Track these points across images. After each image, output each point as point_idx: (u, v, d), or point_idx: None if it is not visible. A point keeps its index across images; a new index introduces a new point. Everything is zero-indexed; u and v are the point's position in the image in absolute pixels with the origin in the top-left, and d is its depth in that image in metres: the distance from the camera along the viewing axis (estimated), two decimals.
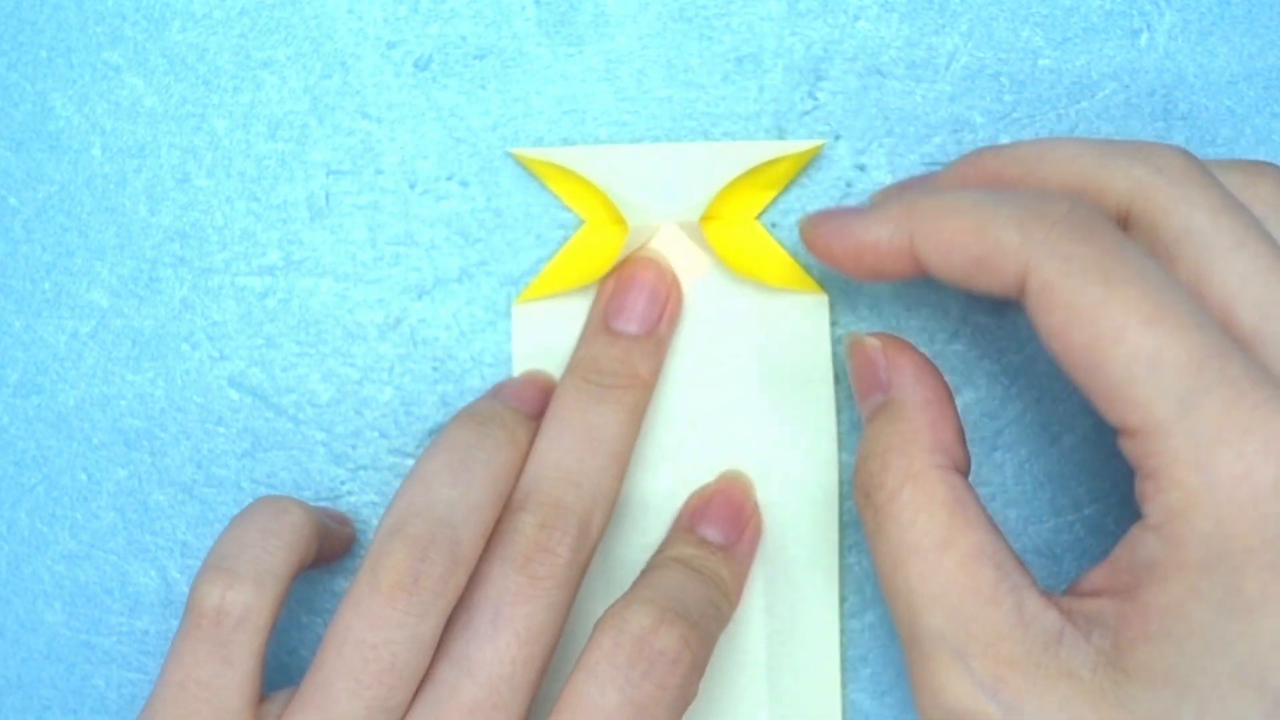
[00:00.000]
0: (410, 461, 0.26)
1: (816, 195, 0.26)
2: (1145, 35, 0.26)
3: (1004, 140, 0.26)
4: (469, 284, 0.26)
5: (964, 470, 0.23)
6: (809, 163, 0.26)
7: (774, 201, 0.26)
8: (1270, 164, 0.23)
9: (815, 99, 0.26)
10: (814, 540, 0.26)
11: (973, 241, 0.21)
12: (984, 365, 0.26)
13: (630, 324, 0.26)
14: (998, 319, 0.26)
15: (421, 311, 0.26)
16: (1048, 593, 0.21)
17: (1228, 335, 0.19)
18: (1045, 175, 0.22)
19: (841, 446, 0.26)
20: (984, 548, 0.21)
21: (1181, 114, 0.26)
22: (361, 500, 0.26)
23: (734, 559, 0.26)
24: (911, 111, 0.26)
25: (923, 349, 0.26)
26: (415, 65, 0.26)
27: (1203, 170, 0.21)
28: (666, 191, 0.26)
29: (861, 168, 0.26)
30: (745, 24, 0.26)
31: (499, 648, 0.22)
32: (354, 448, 0.26)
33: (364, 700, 0.21)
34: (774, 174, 0.26)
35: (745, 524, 0.26)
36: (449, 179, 0.26)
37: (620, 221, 0.26)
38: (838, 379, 0.26)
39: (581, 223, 0.26)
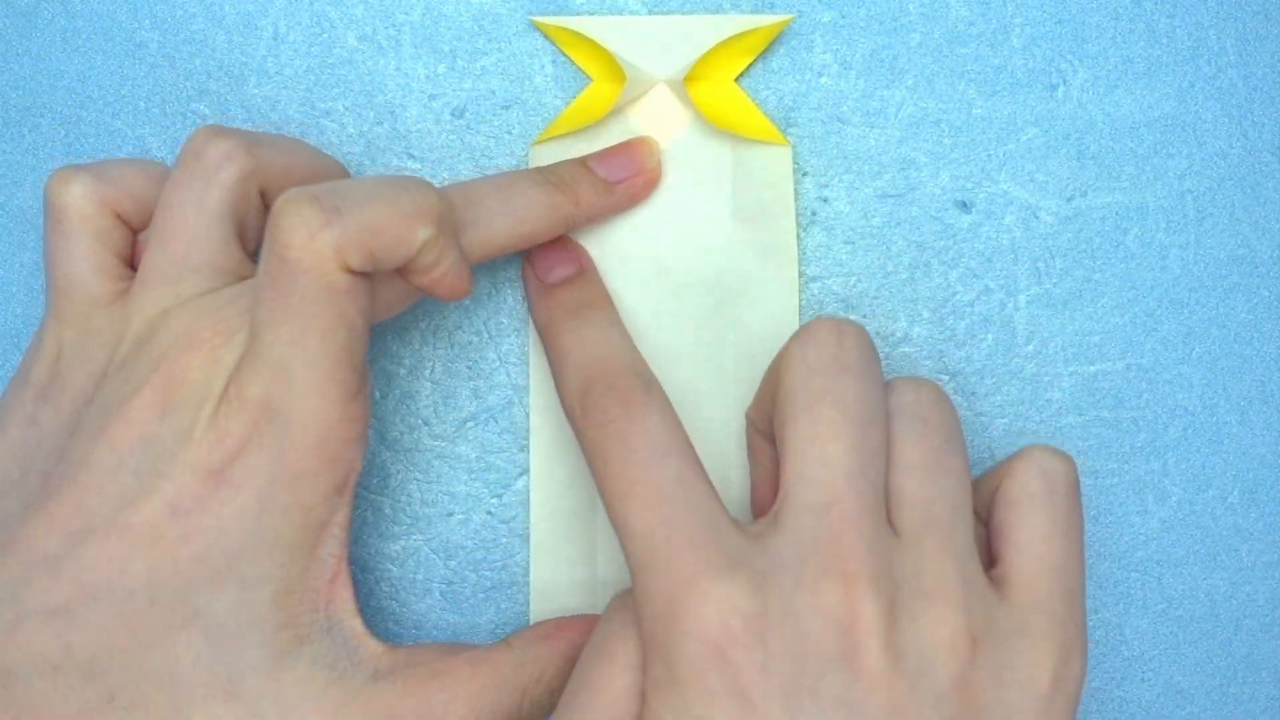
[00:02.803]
0: (447, 445, 0.30)
1: None
2: (1061, 88, 0.30)
3: (944, 176, 0.30)
4: (496, 296, 0.30)
5: None
6: (779, 35, 0.29)
7: (750, 65, 0.30)
8: (922, 381, 0.25)
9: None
10: (775, 350, 0.29)
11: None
12: (926, 364, 0.30)
13: (600, 168, 0.28)
14: (937, 328, 0.30)
15: (458, 320, 0.30)
16: None
17: (695, 499, 0.22)
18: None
19: (801, 272, 0.30)
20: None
21: (1092, 155, 0.30)
22: (407, 478, 0.30)
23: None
24: (866, 152, 0.30)
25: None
26: (452, 114, 0.30)
27: (841, 365, 0.24)
28: (660, 55, 0.29)
29: (825, 199, 0.30)
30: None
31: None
32: (401, 434, 0.30)
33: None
34: (750, 42, 0.29)
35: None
36: None
37: (620, 77, 0.29)
38: (797, 214, 0.30)
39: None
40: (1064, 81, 0.30)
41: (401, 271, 0.24)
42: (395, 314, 0.26)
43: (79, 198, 0.25)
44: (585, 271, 0.28)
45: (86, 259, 0.25)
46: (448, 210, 0.23)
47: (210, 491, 0.22)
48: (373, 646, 0.24)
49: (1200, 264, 0.30)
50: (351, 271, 0.22)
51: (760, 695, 0.21)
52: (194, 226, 0.24)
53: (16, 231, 0.30)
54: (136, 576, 0.22)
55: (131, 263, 0.26)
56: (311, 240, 0.21)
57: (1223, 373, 0.30)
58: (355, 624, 0.24)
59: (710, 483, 0.23)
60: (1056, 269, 0.30)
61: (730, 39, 0.29)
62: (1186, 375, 0.30)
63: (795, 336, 0.25)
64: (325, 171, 0.27)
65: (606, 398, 0.24)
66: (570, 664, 0.26)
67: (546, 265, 0.28)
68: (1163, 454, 0.30)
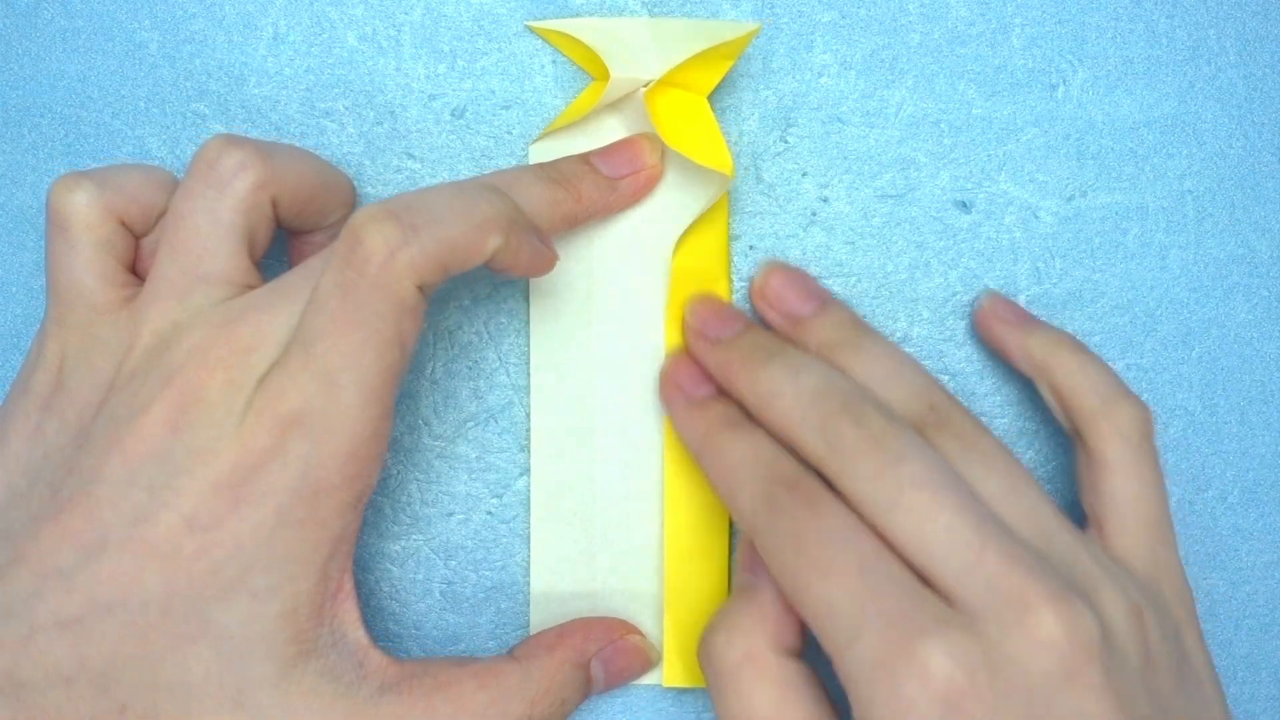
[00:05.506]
0: (447, 445, 0.30)
1: (787, 223, 0.30)
2: (1061, 88, 0.30)
3: (944, 176, 0.30)
4: (497, 297, 0.30)
5: (800, 653, 0.25)
6: (747, 47, 0.29)
7: (720, 84, 0.29)
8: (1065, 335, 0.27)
9: (786, 142, 0.30)
10: None
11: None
12: (926, 364, 0.30)
13: (603, 165, 0.28)
14: (937, 328, 0.30)
15: (458, 320, 0.30)
16: None
17: (892, 570, 0.23)
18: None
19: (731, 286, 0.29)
20: None
21: (1092, 155, 0.30)
22: (407, 478, 0.30)
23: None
24: (866, 152, 0.30)
25: None
26: (452, 114, 0.30)
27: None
28: (654, 57, 0.28)
29: (825, 199, 0.30)
30: (727, 80, 0.30)
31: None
32: (400, 434, 0.30)
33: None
34: (724, 51, 0.28)
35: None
36: None
37: (606, 75, 0.28)
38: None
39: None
40: (1064, 81, 0.30)
41: (486, 265, 0.24)
42: None
43: (83, 206, 0.25)
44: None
45: (90, 267, 0.25)
46: (516, 214, 0.24)
47: (229, 507, 0.22)
48: (377, 659, 0.24)
49: (1200, 264, 0.30)
50: (421, 290, 0.23)
51: None
52: (206, 236, 0.24)
53: (16, 231, 0.30)
54: (151, 590, 0.22)
55: (134, 268, 0.26)
56: (392, 258, 0.22)
57: (1222, 373, 0.30)
58: (360, 636, 0.24)
59: (904, 565, 0.24)
60: (1056, 269, 0.30)
61: (701, 53, 0.28)
62: (1186, 375, 0.30)
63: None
64: (334, 183, 0.27)
65: (789, 497, 0.24)
66: (576, 671, 0.26)
67: (693, 379, 0.28)
68: (1163, 454, 0.30)
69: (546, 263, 0.26)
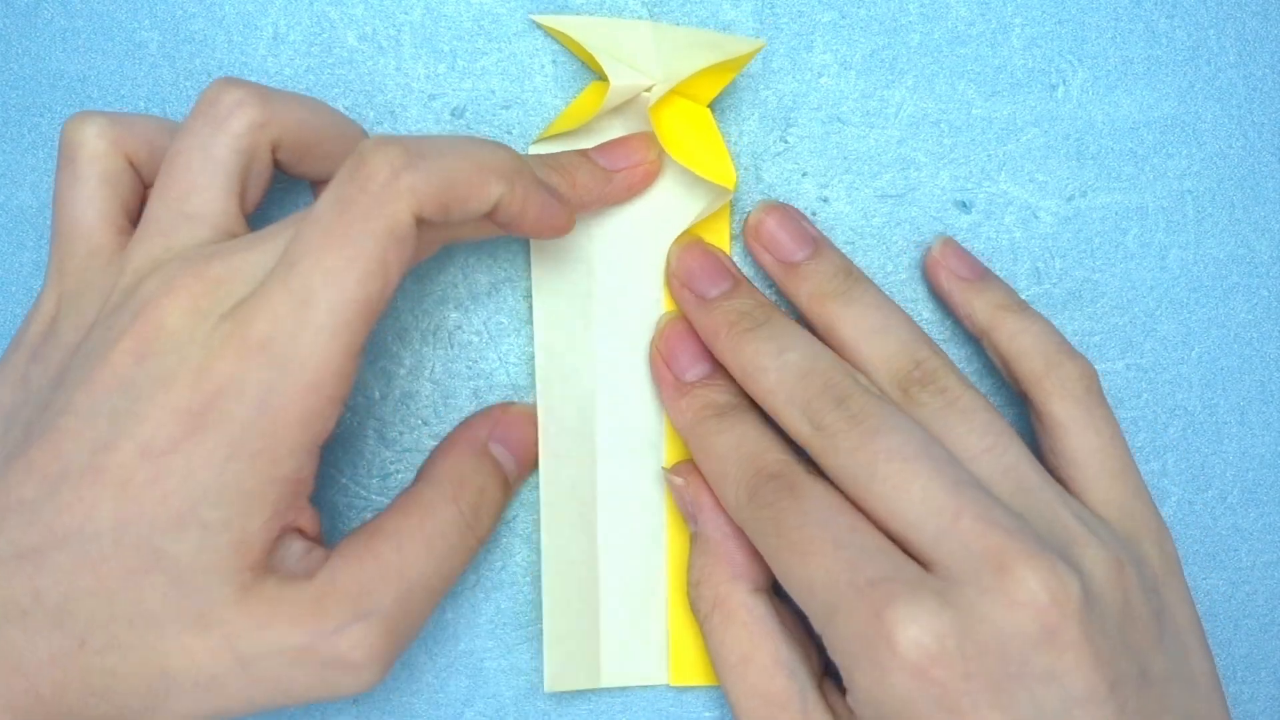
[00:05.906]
0: None
1: None
2: (1061, 88, 0.30)
3: (944, 176, 0.30)
4: (496, 296, 0.30)
5: (763, 586, 0.27)
6: (750, 61, 0.28)
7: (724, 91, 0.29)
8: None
9: (786, 142, 0.30)
10: None
11: None
12: None
13: (600, 158, 0.28)
14: (937, 328, 0.30)
15: (458, 320, 0.30)
16: (833, 689, 0.26)
17: (867, 541, 0.24)
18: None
19: None
20: (778, 658, 0.26)
21: (1092, 155, 0.30)
22: (406, 478, 0.30)
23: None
24: (866, 152, 0.30)
25: None
26: (452, 114, 0.30)
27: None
28: (653, 59, 0.28)
29: (825, 200, 0.30)
30: None
31: None
32: (400, 434, 0.30)
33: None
34: (727, 65, 0.28)
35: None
36: None
37: (606, 80, 0.28)
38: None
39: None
40: (1064, 81, 0.30)
41: (492, 219, 0.24)
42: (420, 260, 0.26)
43: (93, 137, 0.25)
44: (720, 370, 0.28)
45: (93, 202, 0.25)
46: (522, 165, 0.24)
47: (185, 433, 0.22)
48: (320, 554, 0.24)
49: (1200, 264, 0.30)
50: (418, 221, 0.22)
51: (969, 702, 0.22)
52: (197, 173, 0.24)
53: (16, 231, 0.30)
54: (104, 519, 0.22)
55: (137, 218, 0.26)
56: (395, 178, 0.22)
57: (1222, 373, 0.30)
58: (310, 548, 0.24)
59: (883, 534, 0.24)
60: (1056, 269, 0.30)
61: (715, 64, 0.28)
62: (1186, 375, 0.30)
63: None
64: (345, 132, 0.27)
65: (771, 486, 0.25)
66: (477, 458, 0.27)
67: (682, 358, 0.28)
68: (1163, 454, 0.30)
69: (558, 219, 0.26)
